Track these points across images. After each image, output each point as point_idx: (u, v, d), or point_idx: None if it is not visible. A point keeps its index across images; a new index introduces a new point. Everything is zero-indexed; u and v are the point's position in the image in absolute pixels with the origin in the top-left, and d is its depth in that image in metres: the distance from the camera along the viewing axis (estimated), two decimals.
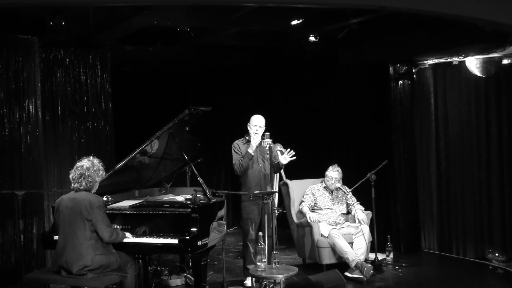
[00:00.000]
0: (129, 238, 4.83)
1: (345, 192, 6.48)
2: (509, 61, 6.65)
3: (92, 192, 4.62)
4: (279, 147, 5.98)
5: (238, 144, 6.00)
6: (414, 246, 7.32)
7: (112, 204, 5.15)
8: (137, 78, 8.76)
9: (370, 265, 6.01)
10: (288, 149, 5.88)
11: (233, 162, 5.96)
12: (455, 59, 6.83)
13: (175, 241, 4.75)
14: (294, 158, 5.85)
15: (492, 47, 6.08)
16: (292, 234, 6.74)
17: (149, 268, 5.54)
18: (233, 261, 7.05)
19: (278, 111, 8.70)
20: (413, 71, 7.25)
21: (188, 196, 5.40)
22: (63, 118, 6.65)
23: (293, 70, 8.72)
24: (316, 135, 8.40)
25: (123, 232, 4.81)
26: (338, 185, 6.48)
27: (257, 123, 5.89)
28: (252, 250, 5.90)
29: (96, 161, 4.65)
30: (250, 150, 5.82)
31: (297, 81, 8.72)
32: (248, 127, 5.96)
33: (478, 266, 6.66)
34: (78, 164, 4.61)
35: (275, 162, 5.91)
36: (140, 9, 5.64)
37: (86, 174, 4.55)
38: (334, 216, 6.47)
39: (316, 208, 6.52)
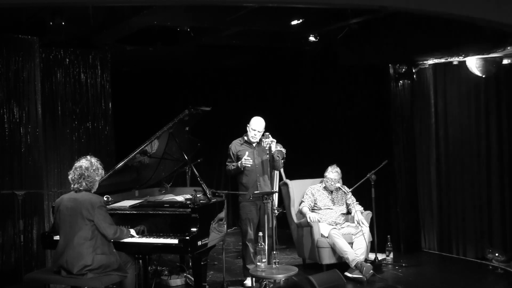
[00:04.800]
0: (131, 238, 4.82)
1: (345, 192, 6.48)
2: (509, 61, 6.64)
3: (92, 191, 4.61)
4: (279, 147, 5.99)
5: (235, 145, 6.00)
6: (414, 246, 7.32)
7: (112, 204, 5.15)
8: (137, 78, 8.77)
9: (370, 265, 6.02)
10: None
11: (226, 163, 6.06)
12: (455, 59, 6.83)
13: (175, 241, 4.75)
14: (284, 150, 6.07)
15: (492, 47, 6.08)
16: (292, 234, 6.74)
17: (149, 268, 5.54)
18: (233, 261, 7.05)
19: (278, 111, 8.70)
20: (413, 71, 7.25)
21: (188, 196, 5.40)
22: (63, 118, 6.65)
23: (293, 70, 8.72)
24: (316, 135, 8.40)
25: (128, 229, 4.81)
26: (338, 185, 6.48)
27: (256, 127, 5.89)
28: (251, 250, 5.91)
29: (94, 160, 4.64)
30: (240, 166, 5.84)
31: (297, 81, 8.73)
32: (247, 128, 5.96)
33: (478, 266, 6.65)
34: (77, 164, 4.60)
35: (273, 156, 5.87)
36: (140, 9, 5.65)
37: (86, 174, 4.55)
38: (334, 216, 6.47)
39: (316, 208, 6.52)
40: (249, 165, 5.83)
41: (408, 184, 7.32)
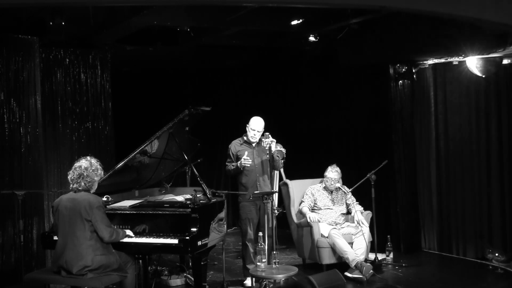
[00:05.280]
0: (129, 238, 4.82)
1: (345, 192, 6.48)
2: (509, 61, 6.64)
3: (92, 192, 4.62)
4: (279, 147, 5.98)
5: (235, 145, 6.01)
6: (414, 246, 7.32)
7: (112, 204, 5.15)
8: (137, 78, 8.76)
9: (370, 265, 6.02)
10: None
11: (226, 163, 6.06)
12: (455, 59, 6.83)
13: (175, 241, 4.75)
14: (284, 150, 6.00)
15: (492, 47, 6.07)
16: (292, 234, 6.74)
17: (149, 268, 5.54)
18: (233, 261, 7.05)
19: (278, 111, 8.70)
20: (413, 71, 7.25)
21: (188, 196, 5.40)
22: (63, 118, 6.65)
23: (293, 70, 8.72)
24: (316, 135, 8.40)
25: (123, 230, 4.81)
26: (338, 185, 6.48)
27: (255, 127, 5.89)
28: (251, 250, 5.91)
29: (94, 160, 4.65)
30: (240, 166, 5.83)
31: (297, 81, 8.72)
32: (246, 128, 5.96)
33: (478, 266, 6.66)
34: (76, 164, 4.61)
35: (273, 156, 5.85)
36: (140, 9, 5.64)
37: (85, 174, 4.55)
38: (334, 216, 6.47)
39: (316, 208, 6.52)
40: (248, 165, 5.83)
41: (408, 184, 7.32)
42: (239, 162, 5.84)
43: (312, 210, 6.50)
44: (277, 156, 5.88)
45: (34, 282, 4.69)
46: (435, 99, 7.27)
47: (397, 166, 7.25)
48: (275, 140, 5.77)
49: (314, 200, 6.53)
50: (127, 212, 5.05)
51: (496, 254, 6.63)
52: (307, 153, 8.37)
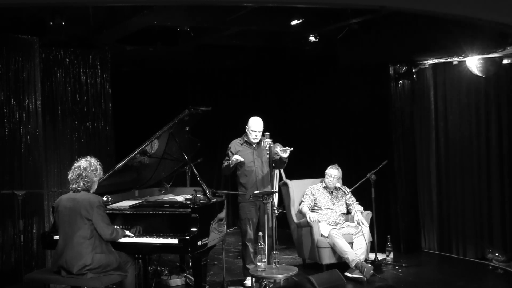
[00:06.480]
0: (129, 238, 4.83)
1: (345, 192, 6.48)
2: (509, 61, 6.65)
3: (91, 191, 4.62)
4: (279, 147, 5.97)
5: (235, 145, 6.00)
6: (414, 246, 7.32)
7: (112, 204, 5.15)
8: (137, 78, 8.77)
9: (370, 265, 6.02)
10: (286, 147, 5.85)
11: (223, 162, 6.03)
12: (455, 59, 6.84)
13: (175, 241, 4.75)
14: (292, 149, 5.80)
15: (492, 47, 6.08)
16: (292, 234, 6.74)
17: (149, 268, 5.54)
18: (233, 261, 7.05)
19: (278, 111, 8.71)
20: (413, 71, 7.25)
21: (188, 196, 5.40)
22: (63, 118, 6.66)
23: (293, 70, 8.72)
24: (316, 135, 8.40)
25: (122, 229, 4.82)
26: (338, 185, 6.48)
27: (256, 128, 5.87)
28: (251, 250, 5.90)
29: (93, 160, 4.65)
30: (231, 164, 5.81)
31: (297, 81, 8.72)
32: (246, 130, 5.95)
33: (478, 266, 6.66)
34: (76, 164, 4.62)
35: (277, 158, 5.81)
36: (140, 9, 5.65)
37: (84, 174, 4.56)
38: (334, 216, 6.47)
39: (316, 208, 6.52)
40: (236, 162, 5.78)
41: (408, 184, 7.32)
42: (230, 160, 5.82)
43: (312, 210, 6.50)
44: (286, 159, 5.83)
45: (34, 282, 4.69)
46: (435, 99, 7.27)
47: (397, 166, 7.26)
48: (273, 143, 5.74)
49: (314, 200, 6.53)
50: (127, 212, 5.04)
51: (496, 254, 6.64)
52: (307, 153, 8.37)
